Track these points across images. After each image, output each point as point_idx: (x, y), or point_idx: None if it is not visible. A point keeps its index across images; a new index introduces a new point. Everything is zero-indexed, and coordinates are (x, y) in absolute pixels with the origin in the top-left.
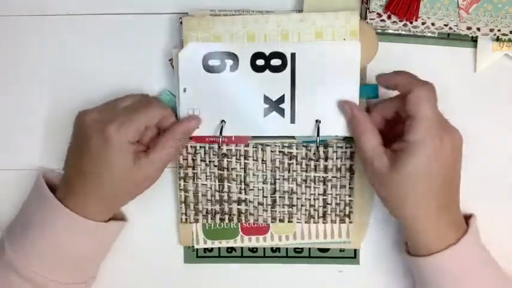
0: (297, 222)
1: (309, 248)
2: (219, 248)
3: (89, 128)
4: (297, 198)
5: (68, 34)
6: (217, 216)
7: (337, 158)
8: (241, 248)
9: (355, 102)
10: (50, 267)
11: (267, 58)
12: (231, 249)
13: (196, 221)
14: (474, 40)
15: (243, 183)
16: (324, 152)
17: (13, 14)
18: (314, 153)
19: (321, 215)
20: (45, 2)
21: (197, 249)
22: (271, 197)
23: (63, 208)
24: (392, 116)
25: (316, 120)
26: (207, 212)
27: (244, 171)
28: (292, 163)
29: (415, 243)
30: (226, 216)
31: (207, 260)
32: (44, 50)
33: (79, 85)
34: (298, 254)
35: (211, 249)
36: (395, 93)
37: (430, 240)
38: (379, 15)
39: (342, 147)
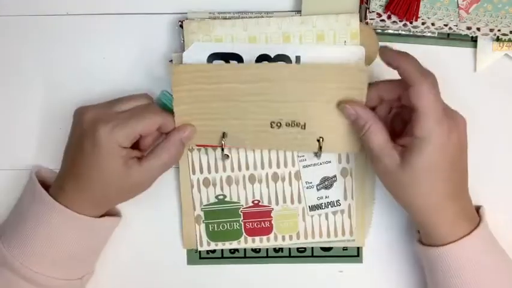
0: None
1: (312, 248)
2: (222, 249)
3: (83, 128)
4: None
5: (68, 34)
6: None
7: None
8: (244, 248)
9: (357, 102)
10: (44, 264)
11: (272, 61)
12: (234, 250)
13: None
14: (474, 40)
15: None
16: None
17: (13, 14)
18: (316, 153)
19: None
20: (45, 2)
21: (200, 251)
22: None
23: (55, 204)
24: (392, 97)
25: (319, 138)
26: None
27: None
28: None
29: (428, 234)
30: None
31: (210, 262)
32: (43, 50)
33: (78, 85)
34: (301, 254)
35: (214, 251)
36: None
37: (444, 231)
38: (379, 15)
39: None
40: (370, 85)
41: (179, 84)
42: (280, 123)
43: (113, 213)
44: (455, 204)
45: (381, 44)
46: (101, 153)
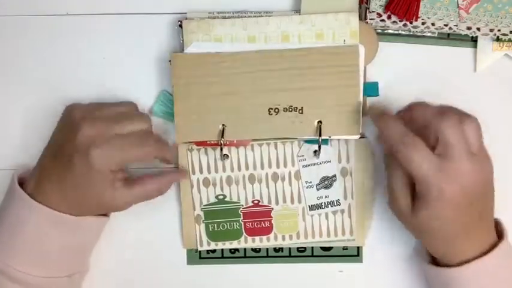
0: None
1: (312, 247)
2: (222, 249)
3: (75, 143)
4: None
5: (68, 34)
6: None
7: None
8: (245, 248)
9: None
10: (28, 263)
11: None
12: (234, 250)
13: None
14: (474, 40)
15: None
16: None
17: (13, 14)
18: (315, 152)
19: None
20: (45, 2)
21: (200, 250)
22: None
23: (33, 202)
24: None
25: (318, 121)
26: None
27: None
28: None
29: (443, 256)
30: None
31: (210, 261)
32: (43, 50)
33: (78, 85)
34: (301, 253)
35: (214, 251)
36: (394, 86)
37: (460, 251)
38: (379, 15)
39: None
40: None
41: (179, 74)
42: (278, 109)
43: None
44: (476, 240)
45: (381, 44)
46: (90, 174)
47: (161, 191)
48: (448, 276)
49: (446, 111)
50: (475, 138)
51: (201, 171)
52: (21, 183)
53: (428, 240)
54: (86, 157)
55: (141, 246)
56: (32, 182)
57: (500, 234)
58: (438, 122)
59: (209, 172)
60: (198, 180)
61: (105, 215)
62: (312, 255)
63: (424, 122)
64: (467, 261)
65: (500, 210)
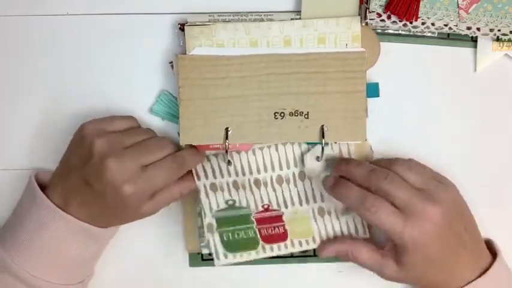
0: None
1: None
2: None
3: (108, 179)
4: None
5: (68, 34)
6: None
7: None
8: None
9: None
10: (44, 269)
11: None
12: None
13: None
14: (474, 40)
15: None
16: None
17: (13, 14)
18: (317, 158)
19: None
20: (45, 2)
21: (202, 253)
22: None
23: (57, 210)
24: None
25: (322, 126)
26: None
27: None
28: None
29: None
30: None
31: (212, 263)
32: (43, 50)
33: (78, 85)
34: (302, 254)
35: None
36: (394, 86)
37: (455, 280)
38: (379, 15)
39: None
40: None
41: (185, 76)
42: (284, 113)
43: None
44: (466, 255)
45: (381, 44)
46: (125, 208)
47: (182, 194)
48: None
49: (373, 170)
50: (416, 177)
51: (206, 177)
52: (42, 185)
53: (427, 282)
54: (119, 195)
55: (143, 249)
56: (58, 196)
57: (494, 254)
58: (380, 185)
59: (215, 177)
60: (204, 185)
61: None
62: (314, 255)
63: (367, 185)
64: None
65: (501, 211)
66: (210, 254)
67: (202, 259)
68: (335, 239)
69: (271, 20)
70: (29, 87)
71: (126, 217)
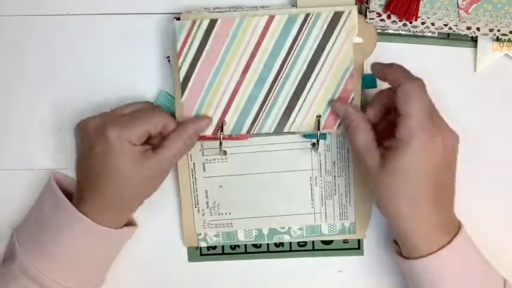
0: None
1: (313, 242)
2: (223, 245)
3: (91, 136)
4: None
5: (68, 34)
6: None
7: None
8: (245, 245)
9: (348, 99)
10: (61, 273)
11: None
12: (234, 246)
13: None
14: (474, 40)
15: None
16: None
17: (13, 14)
18: (313, 146)
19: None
20: (45, 2)
21: (201, 247)
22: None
23: (78, 214)
24: (387, 109)
25: (317, 116)
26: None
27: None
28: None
29: (405, 244)
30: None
31: (211, 258)
32: (43, 50)
33: (78, 85)
34: (301, 248)
35: (214, 247)
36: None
37: (420, 242)
38: (379, 14)
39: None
40: (367, 106)
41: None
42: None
43: (129, 223)
44: (434, 214)
45: (381, 43)
46: (114, 153)
47: (189, 147)
48: (415, 268)
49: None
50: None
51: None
52: (62, 189)
53: (392, 206)
54: (104, 139)
55: (142, 244)
56: (76, 194)
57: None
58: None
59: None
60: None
61: (133, 224)
62: (313, 249)
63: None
64: (426, 255)
65: (501, 203)
66: (208, 249)
67: (200, 254)
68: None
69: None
70: (28, 87)
71: (134, 183)
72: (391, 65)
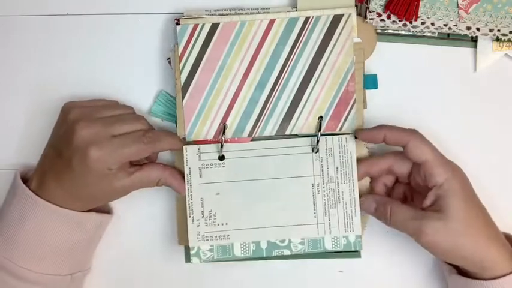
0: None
1: None
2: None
3: (73, 143)
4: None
5: (68, 34)
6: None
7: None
8: None
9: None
10: (31, 259)
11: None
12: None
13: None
14: (474, 40)
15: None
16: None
17: (13, 14)
18: (313, 149)
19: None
20: (45, 2)
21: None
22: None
23: (38, 199)
24: (389, 171)
25: (319, 117)
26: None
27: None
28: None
29: (476, 270)
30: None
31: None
32: (43, 50)
33: (78, 84)
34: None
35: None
36: (394, 87)
37: (499, 263)
38: (379, 14)
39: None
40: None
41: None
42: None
43: (103, 210)
44: (498, 236)
45: (381, 43)
46: (88, 170)
47: (161, 182)
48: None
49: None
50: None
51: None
52: (25, 180)
53: (465, 246)
54: (84, 158)
55: (138, 245)
56: (35, 179)
57: None
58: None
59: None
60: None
61: (108, 212)
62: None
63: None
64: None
65: (499, 211)
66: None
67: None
68: (375, 195)
69: (267, 13)
70: (28, 87)
71: (100, 193)
72: (381, 127)
